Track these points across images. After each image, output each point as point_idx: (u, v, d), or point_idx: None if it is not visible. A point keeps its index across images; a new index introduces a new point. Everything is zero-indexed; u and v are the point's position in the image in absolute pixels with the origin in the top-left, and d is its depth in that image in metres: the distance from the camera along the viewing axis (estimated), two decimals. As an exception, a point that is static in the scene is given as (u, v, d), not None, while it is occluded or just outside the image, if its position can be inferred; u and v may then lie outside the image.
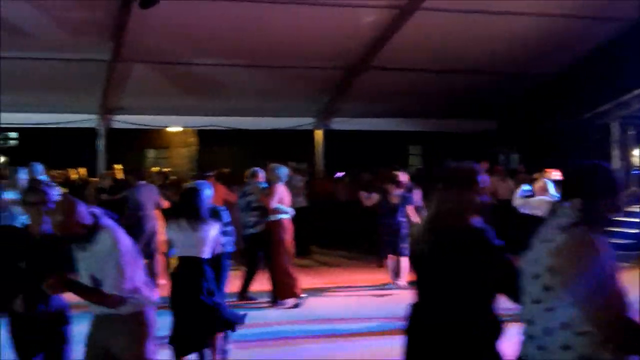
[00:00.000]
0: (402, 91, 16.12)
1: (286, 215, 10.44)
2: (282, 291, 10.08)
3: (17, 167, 10.30)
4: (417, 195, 11.89)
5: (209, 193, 7.39)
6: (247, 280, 10.59)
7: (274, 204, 10.15)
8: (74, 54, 13.68)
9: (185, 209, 7.04)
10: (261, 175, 10.71)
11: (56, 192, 5.13)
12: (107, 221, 4.52)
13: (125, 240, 4.45)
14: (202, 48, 13.95)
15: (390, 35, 13.89)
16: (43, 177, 10.27)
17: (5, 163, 24.92)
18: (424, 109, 17.42)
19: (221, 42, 13.62)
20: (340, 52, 14.62)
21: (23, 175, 9.76)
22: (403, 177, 11.76)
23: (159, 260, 12.53)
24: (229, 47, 13.85)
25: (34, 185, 5.33)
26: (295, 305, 9.95)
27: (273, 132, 18.97)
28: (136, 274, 4.51)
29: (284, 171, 10.62)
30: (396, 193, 11.22)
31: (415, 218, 10.78)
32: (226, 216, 7.95)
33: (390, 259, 11.28)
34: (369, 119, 18.06)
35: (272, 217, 10.25)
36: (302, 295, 10.24)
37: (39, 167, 10.28)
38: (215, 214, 7.47)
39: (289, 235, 10.43)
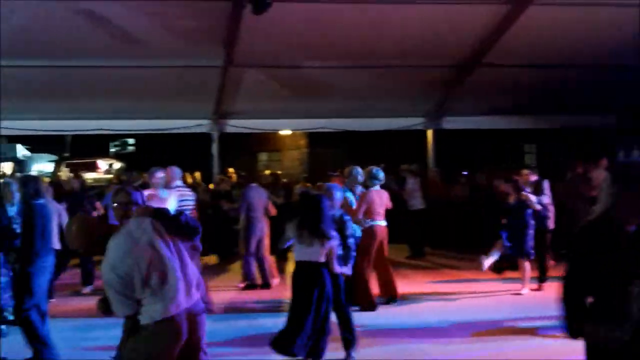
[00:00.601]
0: (515, 88, 15.70)
1: (381, 222, 10.43)
2: (358, 297, 10.03)
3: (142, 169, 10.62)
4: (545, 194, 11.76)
5: (339, 196, 7.43)
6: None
7: (361, 213, 10.09)
8: (187, 61, 13.93)
9: (308, 222, 7.12)
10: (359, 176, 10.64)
11: (141, 195, 5.29)
12: None
13: None
14: (313, 51, 13.94)
15: (503, 31, 13.53)
16: (179, 182, 10.54)
17: (122, 168, 25.73)
18: (538, 105, 16.90)
19: (331, 44, 13.58)
20: (451, 50, 14.35)
21: (160, 174, 10.20)
22: (532, 176, 11.69)
23: (269, 260, 12.72)
24: (339, 49, 13.80)
25: (123, 188, 5.47)
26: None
27: (383, 133, 18.87)
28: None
29: (358, 172, 10.62)
30: (525, 192, 11.04)
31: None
32: (350, 227, 7.96)
33: (523, 261, 11.08)
34: (481, 117, 17.67)
35: (366, 223, 10.23)
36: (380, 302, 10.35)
37: (178, 171, 10.54)
38: (340, 224, 7.56)
39: (377, 242, 10.38)
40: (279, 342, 7.07)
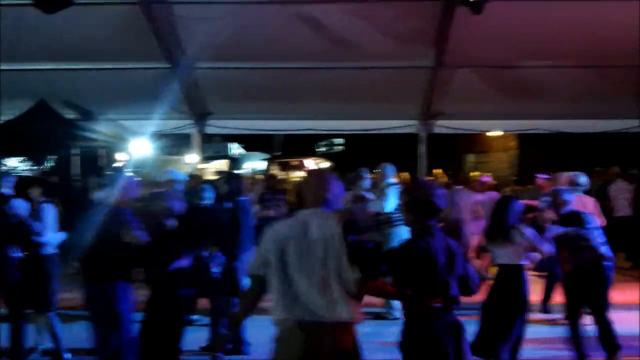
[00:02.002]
0: None
1: None
2: None
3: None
4: None
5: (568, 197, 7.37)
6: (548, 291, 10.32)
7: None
8: (396, 62, 14.01)
9: (496, 223, 7.18)
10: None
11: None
12: None
13: None
14: (526, 50, 13.56)
15: None
16: (392, 179, 10.59)
17: (330, 168, 26.23)
18: None
19: (546, 43, 13.14)
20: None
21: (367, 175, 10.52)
22: None
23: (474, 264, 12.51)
24: (554, 48, 13.32)
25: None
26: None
27: (597, 136, 18.00)
28: None
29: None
30: None
31: None
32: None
33: None
34: None
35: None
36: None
37: (391, 168, 10.62)
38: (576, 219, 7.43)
39: None
40: (479, 347, 6.95)
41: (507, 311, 6.96)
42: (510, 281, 7.01)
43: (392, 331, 5.34)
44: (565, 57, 13.89)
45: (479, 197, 12.90)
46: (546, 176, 12.87)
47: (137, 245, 6.30)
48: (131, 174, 7.55)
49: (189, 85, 14.91)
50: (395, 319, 9.73)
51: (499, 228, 7.11)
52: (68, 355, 8.07)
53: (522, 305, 6.99)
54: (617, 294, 10.49)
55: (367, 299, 4.70)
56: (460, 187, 12.92)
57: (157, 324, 6.47)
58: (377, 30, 12.86)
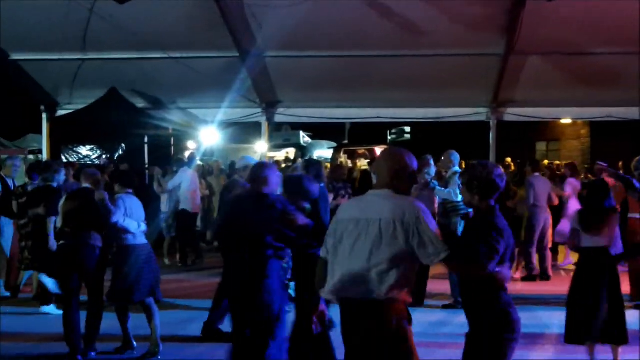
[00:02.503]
0: None
1: None
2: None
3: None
4: None
5: None
6: None
7: None
8: (467, 49, 13.85)
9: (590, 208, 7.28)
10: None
11: None
12: None
13: None
14: (599, 36, 13.26)
15: None
16: (457, 167, 10.50)
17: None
18: None
19: (620, 29, 12.85)
20: None
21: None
22: None
23: (548, 255, 12.45)
24: (628, 34, 12.98)
25: None
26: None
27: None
28: None
29: None
30: None
31: None
32: None
33: None
34: None
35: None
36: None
37: (456, 155, 10.54)
38: None
39: None
40: (572, 335, 6.98)
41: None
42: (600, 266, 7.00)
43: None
44: (637, 44, 13.54)
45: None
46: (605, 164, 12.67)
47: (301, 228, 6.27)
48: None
49: (259, 74, 14.99)
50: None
51: (598, 212, 7.17)
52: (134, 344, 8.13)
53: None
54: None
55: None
56: (538, 174, 12.82)
57: None
58: (447, 18, 12.76)
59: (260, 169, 6.56)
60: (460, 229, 9.90)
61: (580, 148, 26.56)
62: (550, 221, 12.63)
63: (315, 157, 27.02)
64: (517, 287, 11.45)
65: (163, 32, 13.38)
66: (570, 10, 12.25)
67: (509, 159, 18.21)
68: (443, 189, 10.13)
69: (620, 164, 19.03)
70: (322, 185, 7.70)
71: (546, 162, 18.98)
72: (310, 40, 13.73)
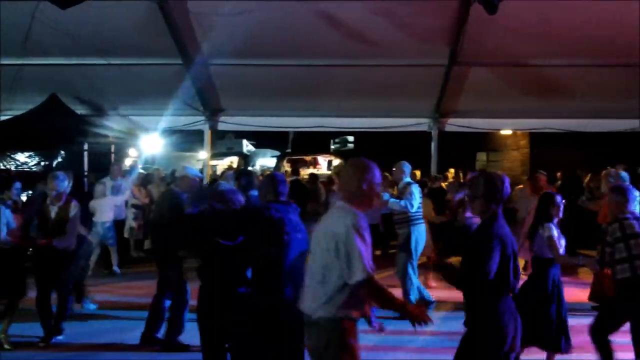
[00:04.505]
0: None
1: None
2: None
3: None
4: None
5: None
6: None
7: None
8: (412, 59, 13.97)
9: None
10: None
11: None
12: None
13: None
14: (540, 48, 13.48)
15: None
16: (409, 178, 10.46)
17: (340, 166, 26.18)
18: None
19: (563, 41, 13.11)
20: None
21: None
22: None
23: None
24: (571, 46, 13.29)
25: None
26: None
27: (610, 135, 17.89)
28: None
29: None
30: None
31: None
32: None
33: None
34: None
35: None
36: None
37: (408, 167, 10.51)
38: None
39: None
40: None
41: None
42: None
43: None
44: (579, 56, 13.81)
45: None
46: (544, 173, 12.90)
47: None
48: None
49: (203, 81, 14.88)
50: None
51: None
52: None
53: None
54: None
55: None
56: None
57: None
58: (393, 28, 12.84)
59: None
60: (414, 239, 9.93)
61: (520, 158, 26.92)
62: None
63: (258, 166, 26.94)
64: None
65: (106, 38, 13.18)
66: (513, 22, 12.40)
67: (452, 170, 18.37)
68: (397, 200, 10.01)
69: (559, 174, 19.39)
70: (255, 194, 7.66)
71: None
72: (256, 49, 13.66)
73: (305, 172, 22.41)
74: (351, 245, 4.28)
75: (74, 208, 8.47)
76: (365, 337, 8.57)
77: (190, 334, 7.92)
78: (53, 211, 8.36)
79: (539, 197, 7.73)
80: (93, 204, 13.12)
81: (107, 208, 13.40)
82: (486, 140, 26.49)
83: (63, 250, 8.34)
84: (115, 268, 13.68)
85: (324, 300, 4.38)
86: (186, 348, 8.18)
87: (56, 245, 8.23)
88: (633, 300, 6.65)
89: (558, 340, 7.06)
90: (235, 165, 25.74)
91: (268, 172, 17.93)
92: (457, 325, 9.27)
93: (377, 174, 4.63)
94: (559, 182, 19.11)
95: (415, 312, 4.55)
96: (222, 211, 6.39)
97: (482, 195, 4.84)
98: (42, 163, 20.52)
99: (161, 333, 8.42)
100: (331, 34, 13.03)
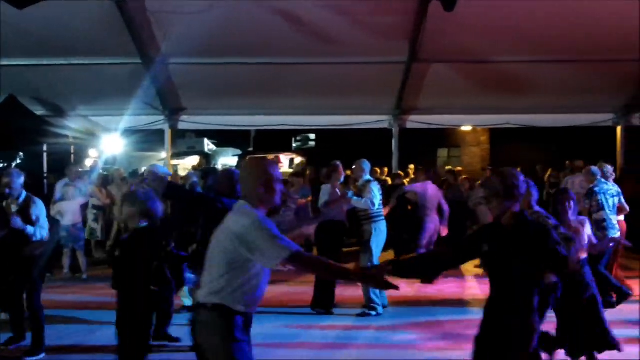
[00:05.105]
0: None
1: None
2: None
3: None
4: None
5: None
6: None
7: None
8: (372, 57, 14.02)
9: None
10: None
11: None
12: None
13: None
14: (499, 45, 13.65)
15: None
16: (368, 176, 10.53)
17: (302, 164, 26.17)
18: None
19: (519, 38, 13.29)
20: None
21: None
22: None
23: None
24: (526, 43, 13.46)
25: None
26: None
27: (569, 130, 18.15)
28: None
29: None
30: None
31: None
32: None
33: None
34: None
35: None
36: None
37: (367, 164, 10.55)
38: None
39: None
40: None
41: None
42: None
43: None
44: (537, 52, 13.97)
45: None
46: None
47: None
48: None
49: (163, 81, 14.81)
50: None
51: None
52: None
53: None
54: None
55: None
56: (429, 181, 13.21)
57: None
58: (353, 26, 12.88)
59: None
60: (375, 237, 10.00)
61: (481, 154, 27.20)
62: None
63: (220, 165, 26.86)
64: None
65: (64, 38, 13.06)
66: (472, 19, 12.52)
67: (412, 166, 18.49)
68: (359, 198, 10.07)
69: (519, 169, 19.60)
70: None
71: (447, 167, 19.36)
72: (216, 48, 13.62)
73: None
74: (257, 236, 4.34)
75: (34, 204, 8.33)
76: (312, 334, 8.75)
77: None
78: (14, 209, 8.25)
79: None
80: (62, 205, 12.97)
81: (76, 210, 13.26)
82: (447, 137, 26.73)
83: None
84: (84, 275, 13.44)
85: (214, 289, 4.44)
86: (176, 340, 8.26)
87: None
88: None
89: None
90: (197, 165, 25.58)
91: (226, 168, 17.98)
92: (407, 319, 9.45)
93: (273, 171, 4.60)
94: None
95: (371, 275, 4.78)
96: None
97: (499, 194, 4.87)
98: (1, 164, 20.28)
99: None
100: (291, 32, 13.04)
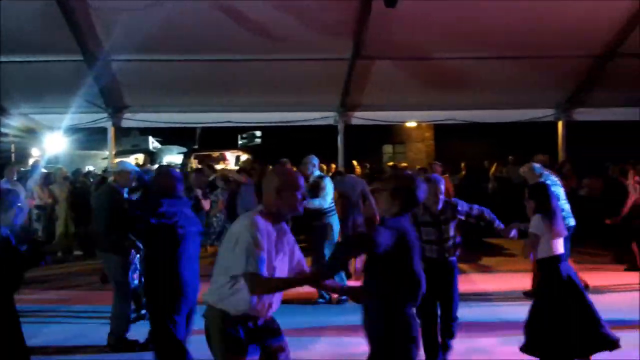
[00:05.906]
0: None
1: None
2: None
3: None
4: None
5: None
6: None
7: None
8: (317, 54, 14.07)
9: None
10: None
11: None
12: None
13: None
14: (442, 42, 13.79)
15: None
16: (317, 171, 10.52)
17: (249, 161, 26.09)
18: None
19: (461, 35, 13.43)
20: (586, 40, 13.89)
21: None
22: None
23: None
24: (469, 39, 13.62)
25: None
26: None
27: (512, 125, 18.38)
28: None
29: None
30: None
31: None
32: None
33: None
34: (617, 109, 16.86)
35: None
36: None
37: (315, 160, 10.55)
38: None
39: None
40: None
41: None
42: None
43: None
44: (479, 48, 14.15)
45: None
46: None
47: None
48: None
49: (105, 78, 14.61)
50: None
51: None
52: None
53: None
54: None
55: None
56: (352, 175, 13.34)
57: None
58: (298, 22, 12.89)
59: None
60: (328, 231, 10.04)
61: (425, 150, 27.43)
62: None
63: (165, 163, 26.62)
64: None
65: (4, 35, 12.77)
66: (415, 16, 12.64)
67: (354, 162, 18.60)
68: (311, 199, 9.83)
69: (463, 164, 19.87)
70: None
71: (391, 163, 19.53)
72: (160, 44, 13.49)
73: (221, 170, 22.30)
74: (243, 238, 4.48)
75: None
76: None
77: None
78: None
79: None
80: None
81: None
82: (392, 133, 26.88)
83: None
84: None
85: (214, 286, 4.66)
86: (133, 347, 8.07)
87: None
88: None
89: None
90: (141, 163, 25.34)
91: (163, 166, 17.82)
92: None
93: (290, 180, 4.69)
94: (463, 173, 19.60)
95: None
96: None
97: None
98: (-61, 165, 19.82)
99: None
100: (236, 29, 12.99)
